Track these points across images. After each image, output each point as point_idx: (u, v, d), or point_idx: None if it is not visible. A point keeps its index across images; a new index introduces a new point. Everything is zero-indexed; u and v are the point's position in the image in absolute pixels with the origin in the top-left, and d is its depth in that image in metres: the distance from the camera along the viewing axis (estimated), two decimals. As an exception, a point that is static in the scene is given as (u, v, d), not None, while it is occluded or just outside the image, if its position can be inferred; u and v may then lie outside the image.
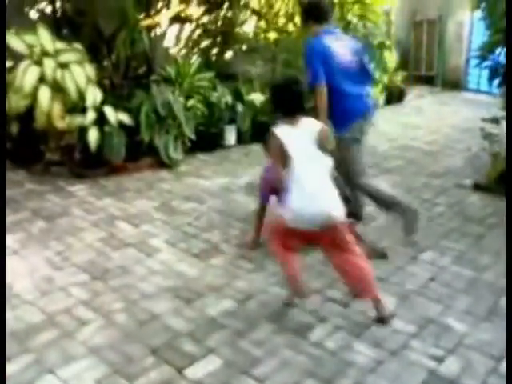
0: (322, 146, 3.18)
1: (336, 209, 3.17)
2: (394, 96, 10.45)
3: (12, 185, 5.34)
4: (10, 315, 3.25)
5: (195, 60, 7.14)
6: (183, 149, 6.22)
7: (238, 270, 3.90)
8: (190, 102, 6.27)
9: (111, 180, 5.65)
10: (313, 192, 3.13)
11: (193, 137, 6.20)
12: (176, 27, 7.76)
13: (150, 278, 3.78)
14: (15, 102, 5.15)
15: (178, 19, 7.59)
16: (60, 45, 5.51)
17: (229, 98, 6.77)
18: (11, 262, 3.88)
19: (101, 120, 5.46)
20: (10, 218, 4.59)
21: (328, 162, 3.20)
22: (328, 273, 3.90)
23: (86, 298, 3.50)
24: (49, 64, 5.25)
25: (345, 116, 4.42)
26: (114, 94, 5.94)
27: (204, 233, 4.52)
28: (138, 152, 5.91)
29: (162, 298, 3.53)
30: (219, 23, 7.88)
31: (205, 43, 8.00)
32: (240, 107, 6.90)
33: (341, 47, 4.49)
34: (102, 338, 3.12)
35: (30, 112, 5.21)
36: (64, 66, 5.34)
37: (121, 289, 3.62)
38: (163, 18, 7.20)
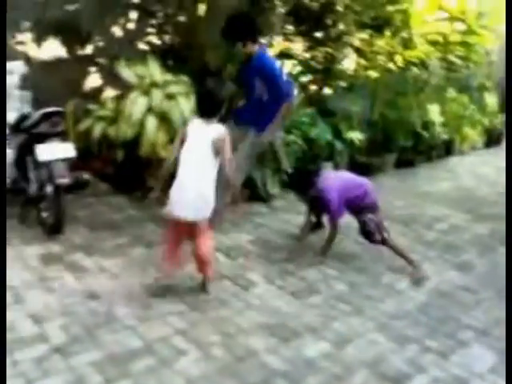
0: (216, 150, 3.62)
1: (202, 208, 3.66)
2: (494, 139, 10.14)
3: (114, 209, 5.52)
4: (110, 339, 3.33)
5: (296, 95, 7.16)
6: (280, 183, 6.23)
7: (334, 311, 3.83)
8: (290, 137, 6.29)
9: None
10: (186, 184, 3.61)
11: (290, 172, 6.20)
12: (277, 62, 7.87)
13: (246, 312, 3.77)
14: (123, 130, 5.34)
15: (280, 54, 7.70)
16: (168, 76, 5.70)
17: (328, 136, 6.74)
18: (112, 285, 3.98)
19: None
20: (111, 242, 4.74)
21: (215, 166, 3.66)
22: (426, 322, 3.80)
23: (183, 327, 3.52)
24: (157, 95, 5.43)
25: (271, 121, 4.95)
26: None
27: (300, 270, 4.48)
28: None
29: (258, 334, 3.51)
30: (320, 59, 7.93)
31: (305, 79, 8.07)
32: (338, 145, 6.87)
33: None
34: (198, 369, 3.12)
35: (135, 140, 5.39)
36: (171, 97, 5.51)
37: (217, 321, 3.63)
38: (266, 53, 7.34)
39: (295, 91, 5.03)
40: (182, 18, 7.05)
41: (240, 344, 3.38)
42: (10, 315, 3.43)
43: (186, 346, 3.33)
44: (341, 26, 7.91)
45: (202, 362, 3.19)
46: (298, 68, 7.96)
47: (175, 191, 3.66)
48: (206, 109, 3.74)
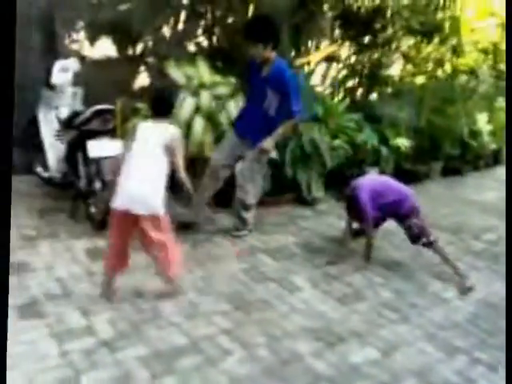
0: (169, 149, 3.55)
1: (151, 202, 3.51)
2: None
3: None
4: (156, 335, 3.34)
5: (342, 100, 7.13)
6: (324, 187, 6.20)
7: (381, 319, 3.77)
8: (336, 142, 6.25)
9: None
10: (135, 179, 3.49)
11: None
12: (323, 66, 7.86)
13: (291, 315, 3.74)
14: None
15: (327, 58, 7.68)
16: (216, 77, 5.72)
17: (374, 141, 6.68)
18: (157, 282, 3.99)
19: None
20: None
21: (165, 164, 3.56)
22: (476, 333, 3.72)
23: (228, 327, 3.51)
24: (205, 96, 5.44)
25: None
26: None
27: (345, 276, 4.43)
28: (279, 187, 5.95)
29: (303, 338, 3.47)
30: (366, 64, 7.88)
31: (350, 83, 8.02)
32: (384, 150, 6.80)
33: None
34: (243, 370, 3.10)
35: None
36: (218, 98, 5.53)
37: (262, 323, 3.61)
38: (314, 56, 7.32)
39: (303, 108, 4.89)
40: (230, 20, 7.09)
41: (285, 347, 3.35)
42: (59, 307, 3.49)
43: (230, 345, 3.31)
44: (389, 32, 7.85)
45: (248, 362, 3.17)
46: (344, 72, 7.93)
47: (125, 186, 3.51)
48: (161, 108, 3.72)
